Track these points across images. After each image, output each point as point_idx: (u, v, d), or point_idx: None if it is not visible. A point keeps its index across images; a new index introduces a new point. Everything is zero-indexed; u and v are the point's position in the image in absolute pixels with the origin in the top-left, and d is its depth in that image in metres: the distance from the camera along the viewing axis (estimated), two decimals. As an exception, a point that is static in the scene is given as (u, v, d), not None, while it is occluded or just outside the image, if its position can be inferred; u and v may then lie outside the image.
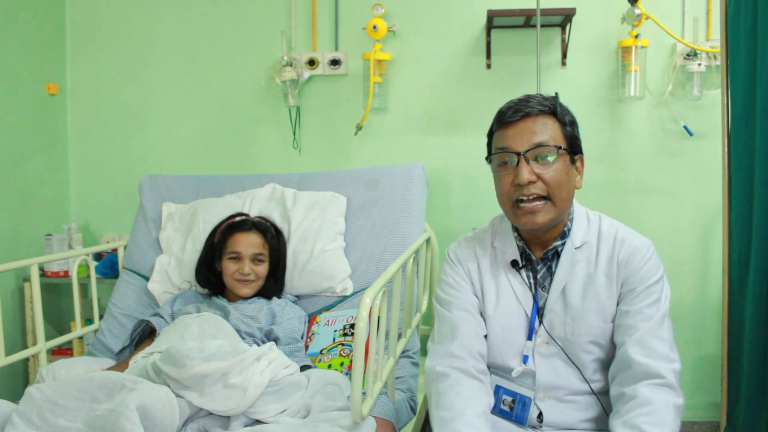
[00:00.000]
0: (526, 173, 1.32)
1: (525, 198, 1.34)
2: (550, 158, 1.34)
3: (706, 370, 2.59)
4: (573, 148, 1.39)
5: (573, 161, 1.39)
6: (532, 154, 1.34)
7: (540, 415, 1.42)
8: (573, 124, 1.41)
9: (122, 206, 2.84)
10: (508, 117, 1.37)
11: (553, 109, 1.38)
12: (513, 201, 1.36)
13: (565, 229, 1.43)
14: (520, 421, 1.43)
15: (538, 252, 1.45)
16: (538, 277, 1.44)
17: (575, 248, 1.42)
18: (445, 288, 1.50)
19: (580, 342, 1.40)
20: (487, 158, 1.45)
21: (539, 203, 1.34)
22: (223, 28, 2.82)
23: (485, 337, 1.45)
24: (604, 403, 1.41)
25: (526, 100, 1.38)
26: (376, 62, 2.64)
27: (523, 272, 1.45)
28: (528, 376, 1.43)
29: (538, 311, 1.42)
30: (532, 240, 1.45)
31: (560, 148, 1.35)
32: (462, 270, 1.49)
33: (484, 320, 1.46)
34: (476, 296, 1.47)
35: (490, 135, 1.45)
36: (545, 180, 1.34)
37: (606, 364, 1.42)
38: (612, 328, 1.39)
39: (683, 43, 2.52)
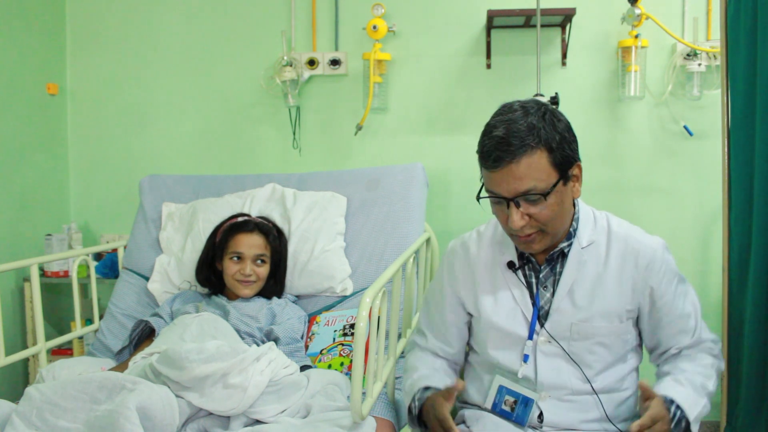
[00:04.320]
0: (516, 220, 1.30)
1: (521, 235, 1.34)
2: (540, 201, 1.30)
3: (706, 370, 2.59)
4: (566, 166, 1.32)
5: (568, 180, 1.33)
6: (521, 198, 1.30)
7: (540, 414, 1.41)
8: (564, 139, 1.31)
9: (122, 206, 2.84)
10: (490, 164, 1.30)
11: (537, 140, 1.27)
12: (510, 232, 1.38)
13: (571, 229, 1.42)
14: (520, 422, 1.42)
15: (539, 254, 1.44)
16: (541, 276, 1.43)
17: (582, 248, 1.41)
18: (434, 288, 1.60)
19: (587, 342, 1.40)
20: (477, 197, 1.39)
21: (534, 235, 1.34)
22: (223, 28, 2.82)
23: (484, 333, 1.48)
24: (606, 403, 1.41)
25: (507, 141, 1.27)
26: (376, 62, 2.64)
27: (520, 273, 1.44)
28: (530, 376, 1.42)
29: (539, 311, 1.42)
30: None
31: (548, 193, 1.29)
32: (447, 280, 1.54)
33: (480, 320, 1.48)
34: (461, 304, 1.53)
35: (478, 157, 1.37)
36: (537, 219, 1.32)
37: (611, 365, 1.42)
38: (621, 328, 1.41)
39: (683, 43, 2.52)
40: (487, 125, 1.33)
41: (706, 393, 1.38)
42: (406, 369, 1.59)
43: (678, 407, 1.31)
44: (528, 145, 1.27)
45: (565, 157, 1.31)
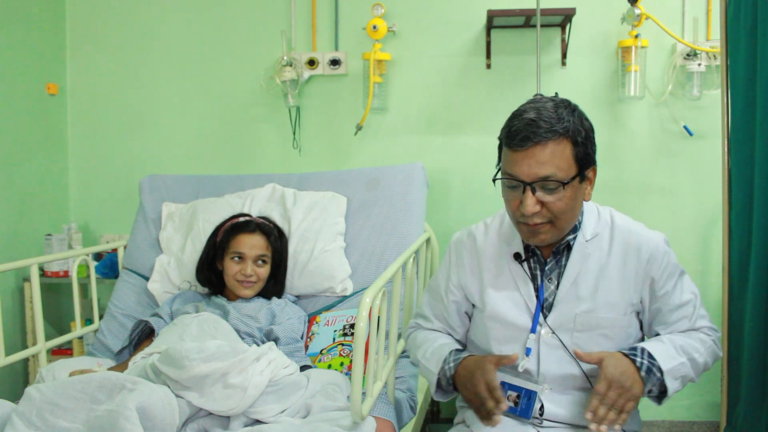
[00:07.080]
0: (530, 205, 1.31)
1: (530, 222, 1.35)
2: (557, 189, 1.31)
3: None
4: (585, 165, 1.35)
5: (583, 179, 1.36)
6: (539, 185, 1.31)
7: (541, 407, 1.41)
8: (587, 138, 1.35)
9: (122, 206, 2.84)
10: (516, 143, 1.31)
11: (565, 130, 1.30)
12: (518, 220, 1.38)
13: (576, 222, 1.43)
14: (524, 415, 1.42)
15: (544, 248, 1.45)
16: (546, 269, 1.44)
17: (586, 241, 1.43)
18: (437, 277, 1.60)
19: (591, 334, 1.40)
20: (494, 178, 1.39)
21: (542, 225, 1.35)
22: (223, 28, 2.82)
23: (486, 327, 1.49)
24: None
25: (537, 124, 1.29)
26: (376, 62, 2.64)
27: (526, 265, 1.45)
28: (532, 369, 1.42)
29: (543, 303, 1.43)
30: None
31: (567, 182, 1.31)
32: (454, 269, 1.54)
33: (483, 311, 1.48)
34: (465, 294, 1.53)
35: (501, 141, 1.39)
36: (550, 209, 1.32)
37: None
38: (624, 320, 1.41)
39: (683, 43, 2.52)
40: (517, 110, 1.36)
41: (688, 357, 1.37)
42: (417, 344, 1.57)
43: (650, 355, 1.33)
44: (556, 131, 1.30)
45: (586, 155, 1.35)
